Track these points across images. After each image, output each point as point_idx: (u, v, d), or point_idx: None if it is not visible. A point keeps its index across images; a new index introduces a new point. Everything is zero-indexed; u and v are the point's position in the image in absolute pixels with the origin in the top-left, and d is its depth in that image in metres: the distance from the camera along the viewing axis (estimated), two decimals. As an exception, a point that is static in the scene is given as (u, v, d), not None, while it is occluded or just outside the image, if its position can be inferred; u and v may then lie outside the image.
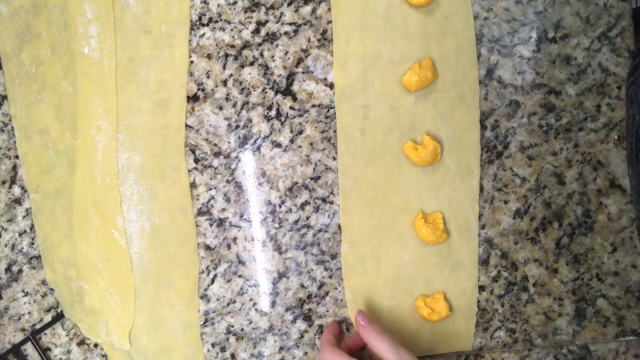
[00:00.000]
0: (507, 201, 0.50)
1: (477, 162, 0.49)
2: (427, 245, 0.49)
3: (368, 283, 0.50)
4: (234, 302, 0.50)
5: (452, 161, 0.49)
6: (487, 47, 0.49)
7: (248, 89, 0.50)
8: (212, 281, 0.50)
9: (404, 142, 0.49)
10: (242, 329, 0.51)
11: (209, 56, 0.49)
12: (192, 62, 0.49)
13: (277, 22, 0.49)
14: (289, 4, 0.49)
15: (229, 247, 0.50)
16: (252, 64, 0.49)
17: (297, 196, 0.50)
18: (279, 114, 0.50)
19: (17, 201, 0.51)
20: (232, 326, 0.51)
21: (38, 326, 0.51)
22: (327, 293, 0.50)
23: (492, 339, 0.51)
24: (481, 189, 0.50)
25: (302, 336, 0.51)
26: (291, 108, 0.50)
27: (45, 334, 0.51)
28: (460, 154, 0.49)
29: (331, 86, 0.49)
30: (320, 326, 0.51)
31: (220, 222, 0.50)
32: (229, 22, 0.49)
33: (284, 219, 0.50)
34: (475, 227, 0.50)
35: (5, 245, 0.51)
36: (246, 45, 0.49)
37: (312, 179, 0.50)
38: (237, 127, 0.50)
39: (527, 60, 0.49)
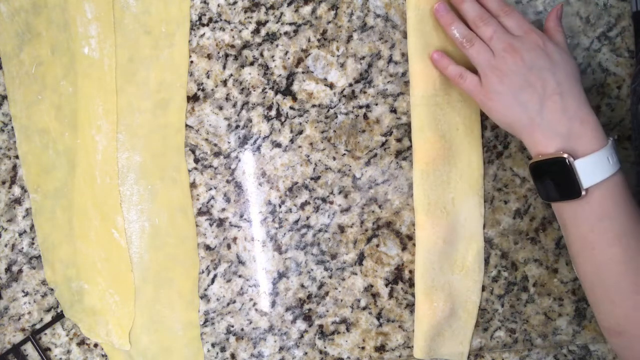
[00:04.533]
0: (507, 201, 0.50)
1: (478, 162, 0.49)
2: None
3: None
4: (234, 302, 0.50)
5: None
6: (487, 47, 0.49)
7: (248, 89, 0.50)
8: (212, 281, 0.50)
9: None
10: (242, 329, 0.51)
11: (209, 56, 0.49)
12: (192, 62, 0.49)
13: (277, 22, 0.49)
14: (289, 4, 0.49)
15: (229, 247, 0.50)
16: (252, 64, 0.49)
17: (297, 196, 0.50)
18: (279, 114, 0.50)
19: (17, 201, 0.51)
20: (232, 326, 0.51)
21: (38, 326, 0.51)
22: (327, 293, 0.50)
23: (492, 339, 0.51)
24: (481, 189, 0.50)
25: (302, 336, 0.51)
26: (291, 108, 0.50)
27: (45, 334, 0.51)
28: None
29: (331, 86, 0.49)
30: (321, 326, 0.51)
31: (220, 222, 0.50)
32: (229, 22, 0.49)
33: (284, 219, 0.50)
34: (480, 229, 0.49)
35: (5, 245, 0.51)
36: (246, 45, 0.49)
37: (312, 179, 0.50)
38: (237, 127, 0.50)
39: (527, 60, 0.49)
